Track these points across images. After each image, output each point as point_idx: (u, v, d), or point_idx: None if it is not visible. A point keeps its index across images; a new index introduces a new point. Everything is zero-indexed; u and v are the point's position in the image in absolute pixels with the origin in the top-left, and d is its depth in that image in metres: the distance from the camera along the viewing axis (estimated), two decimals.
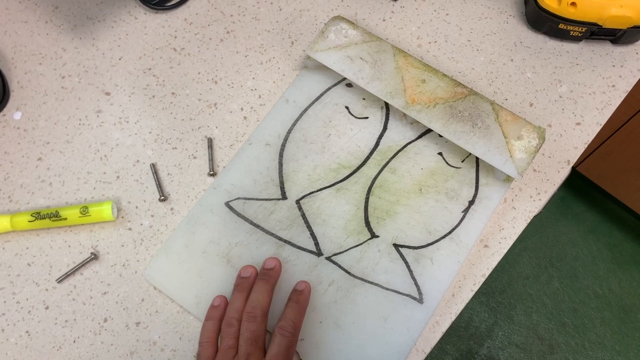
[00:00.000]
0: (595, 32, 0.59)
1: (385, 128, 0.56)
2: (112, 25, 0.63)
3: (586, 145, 0.57)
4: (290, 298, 0.49)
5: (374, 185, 0.54)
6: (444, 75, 0.55)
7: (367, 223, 0.53)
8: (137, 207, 0.55)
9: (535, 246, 1.39)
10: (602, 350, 1.31)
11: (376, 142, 0.56)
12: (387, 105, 0.57)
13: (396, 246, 0.52)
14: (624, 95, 0.58)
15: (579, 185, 1.41)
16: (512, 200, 0.55)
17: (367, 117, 0.57)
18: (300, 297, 0.48)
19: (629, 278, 1.36)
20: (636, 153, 1.11)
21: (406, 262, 0.51)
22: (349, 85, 0.58)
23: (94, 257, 0.53)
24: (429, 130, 0.56)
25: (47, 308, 0.51)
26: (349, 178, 0.54)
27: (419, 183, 0.54)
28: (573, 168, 1.28)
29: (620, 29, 0.58)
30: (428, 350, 0.50)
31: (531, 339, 1.32)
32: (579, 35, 0.59)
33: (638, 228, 1.39)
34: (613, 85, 0.59)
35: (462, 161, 0.55)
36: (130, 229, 0.54)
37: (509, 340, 1.32)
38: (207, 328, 0.48)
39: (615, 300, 1.35)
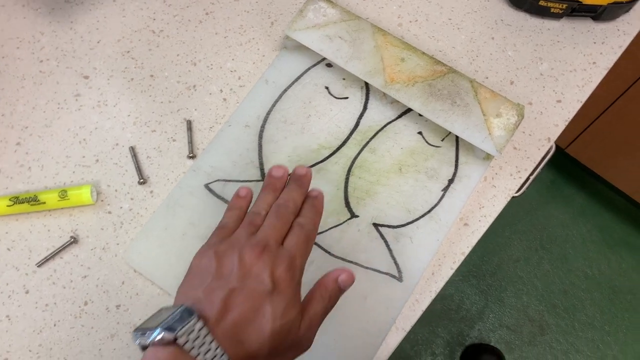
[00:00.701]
0: (576, 9, 0.58)
1: (365, 108, 0.56)
2: (90, 8, 0.62)
3: (567, 123, 0.57)
4: (305, 201, 0.45)
5: (354, 165, 0.54)
6: (423, 53, 0.54)
7: (347, 203, 0.53)
8: (116, 190, 0.55)
9: (525, 229, 1.40)
10: (592, 331, 1.32)
11: (356, 122, 0.55)
12: (367, 85, 0.57)
13: (376, 225, 0.52)
14: (604, 72, 0.58)
15: (569, 168, 1.41)
16: (492, 178, 0.54)
17: (347, 97, 0.56)
18: (316, 201, 0.45)
19: (618, 259, 1.37)
20: (624, 134, 1.11)
21: (386, 241, 0.51)
22: (329, 65, 0.58)
23: (74, 240, 0.53)
24: (409, 110, 0.56)
25: (27, 292, 0.51)
26: (329, 159, 0.54)
27: (398, 162, 0.54)
28: (562, 150, 1.29)
29: (601, 5, 0.57)
30: (408, 328, 0.50)
31: (522, 321, 1.33)
32: (560, 12, 0.59)
33: (628, 209, 1.39)
34: (594, 62, 0.59)
35: (442, 140, 0.54)
36: (109, 212, 0.54)
37: (500, 322, 1.33)
38: (229, 215, 0.44)
39: (605, 281, 1.36)
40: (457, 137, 0.54)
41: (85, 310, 0.51)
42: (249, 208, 0.45)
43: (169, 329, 0.34)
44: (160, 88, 0.58)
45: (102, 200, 0.54)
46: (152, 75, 0.59)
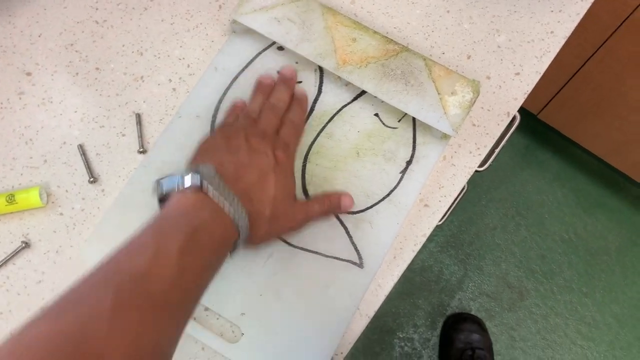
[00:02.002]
0: None
1: (320, 91, 0.54)
2: (28, 0, 0.59)
3: (526, 96, 0.56)
4: (292, 100, 0.52)
5: (311, 152, 0.52)
6: (375, 32, 0.53)
7: (305, 191, 0.51)
8: (67, 190, 0.53)
9: (501, 196, 1.40)
10: (570, 294, 1.34)
11: (311, 107, 0.54)
12: (320, 67, 0.55)
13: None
14: (562, 42, 0.57)
15: (542, 133, 1.41)
16: (452, 157, 0.54)
17: (300, 82, 0.55)
18: (301, 99, 0.53)
19: (594, 221, 1.38)
20: (591, 98, 1.11)
21: (345, 228, 0.50)
22: (280, 48, 0.56)
23: (26, 245, 0.51)
24: (364, 91, 0.54)
25: None
26: None
27: (356, 147, 0.52)
28: (535, 116, 1.28)
29: None
30: (372, 313, 0.50)
31: (501, 288, 1.34)
32: None
33: (601, 171, 1.40)
34: (552, 32, 0.57)
35: (399, 121, 0.53)
36: (61, 214, 0.52)
37: (480, 291, 1.34)
38: (228, 117, 0.51)
39: (581, 244, 1.37)
40: (414, 118, 0.53)
41: None
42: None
43: (196, 174, 0.40)
44: (107, 81, 0.56)
45: (52, 202, 0.53)
46: (97, 68, 0.57)
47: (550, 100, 1.18)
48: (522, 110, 0.56)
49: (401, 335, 1.29)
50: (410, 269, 1.39)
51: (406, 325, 1.30)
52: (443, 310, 1.32)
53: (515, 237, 1.38)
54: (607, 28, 0.93)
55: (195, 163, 0.45)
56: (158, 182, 0.42)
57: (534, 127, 1.40)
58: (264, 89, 0.52)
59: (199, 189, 0.40)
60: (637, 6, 0.85)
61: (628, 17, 0.88)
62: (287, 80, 0.53)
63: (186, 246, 0.36)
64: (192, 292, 0.37)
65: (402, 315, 1.31)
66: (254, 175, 0.43)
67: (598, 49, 0.98)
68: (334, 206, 0.49)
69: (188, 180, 0.40)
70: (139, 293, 0.34)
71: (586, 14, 0.58)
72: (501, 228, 1.38)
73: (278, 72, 0.55)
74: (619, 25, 0.91)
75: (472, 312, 1.32)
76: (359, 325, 0.50)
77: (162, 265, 0.35)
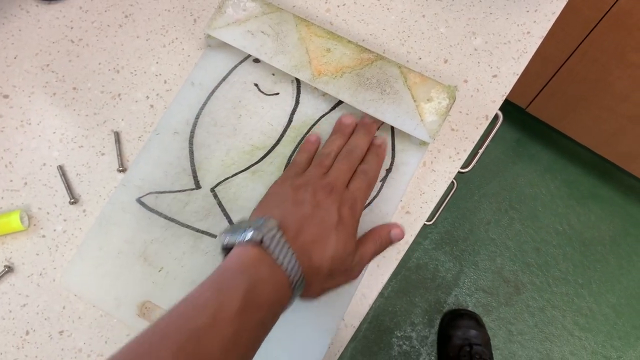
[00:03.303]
0: None
1: (297, 102, 0.54)
2: (2, 22, 0.59)
3: (504, 97, 0.55)
4: (369, 149, 0.51)
5: (290, 164, 0.52)
6: (349, 41, 0.52)
7: None
8: (48, 212, 0.53)
9: (494, 191, 1.40)
10: (566, 285, 1.34)
11: (289, 119, 0.54)
12: (297, 78, 0.55)
13: None
14: (539, 42, 0.57)
15: (533, 126, 1.41)
16: (432, 162, 0.53)
17: (277, 93, 0.55)
18: (379, 150, 0.51)
19: (587, 212, 1.38)
20: (579, 90, 1.11)
21: None
22: (257, 61, 0.55)
23: (9, 269, 0.51)
24: (342, 101, 0.54)
25: None
26: (264, 159, 0.53)
27: None
28: (523, 110, 1.28)
29: None
30: (357, 323, 0.50)
31: (497, 283, 1.34)
32: None
33: (593, 161, 1.40)
34: (528, 32, 0.57)
35: (377, 129, 0.53)
36: (43, 236, 0.52)
37: (476, 286, 1.34)
38: (300, 156, 0.51)
39: (575, 235, 1.37)
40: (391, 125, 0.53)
41: (27, 340, 0.50)
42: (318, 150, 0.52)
43: (257, 229, 0.40)
44: (84, 100, 0.56)
45: (34, 225, 0.53)
46: (74, 88, 0.56)
47: (538, 94, 1.18)
48: (510, 104, 0.56)
49: (399, 334, 1.29)
50: (405, 267, 1.40)
51: (404, 324, 1.30)
52: (440, 308, 1.32)
53: (509, 231, 1.38)
54: (589, 21, 0.93)
55: (260, 214, 0.45)
56: (221, 234, 0.42)
57: (523, 120, 1.40)
58: (342, 130, 0.51)
59: (259, 243, 0.40)
60: (617, 0, 0.85)
61: (609, 10, 0.88)
62: (368, 126, 0.51)
63: (244, 305, 0.37)
64: (247, 350, 0.37)
65: (399, 314, 1.31)
66: (315, 231, 0.43)
67: (582, 42, 0.98)
68: (385, 242, 0.48)
69: (249, 235, 0.40)
70: (199, 351, 0.34)
71: (567, 8, 0.58)
72: (495, 223, 1.38)
73: (255, 84, 0.54)
74: (601, 18, 0.91)
75: (469, 308, 1.32)
76: (345, 335, 0.50)
77: (221, 324, 0.35)
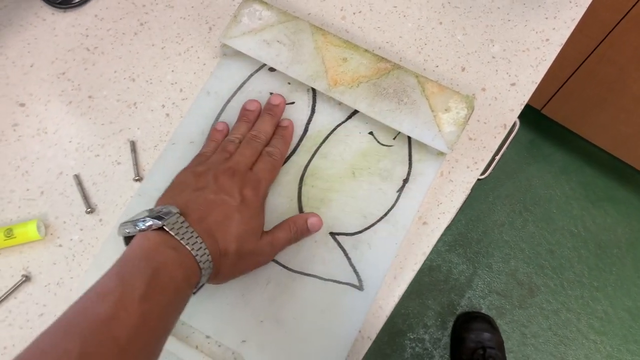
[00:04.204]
0: None
1: (313, 111, 0.54)
2: (19, 30, 0.59)
3: (522, 106, 0.55)
4: (275, 131, 0.52)
5: (306, 174, 0.52)
6: (366, 51, 0.52)
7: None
8: (64, 222, 0.53)
9: (508, 193, 1.39)
10: (581, 288, 1.32)
11: (305, 128, 0.53)
12: (313, 87, 0.55)
13: (332, 234, 0.50)
14: (559, 49, 0.56)
15: (547, 127, 1.39)
16: (449, 172, 0.53)
17: (293, 102, 0.54)
18: (285, 132, 0.52)
19: (602, 214, 1.37)
20: (596, 92, 1.09)
21: (344, 250, 0.50)
22: (272, 69, 0.55)
23: (26, 279, 0.51)
24: (358, 110, 0.54)
25: None
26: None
27: (351, 166, 0.52)
28: (538, 111, 1.27)
29: None
30: (373, 336, 0.49)
31: (511, 285, 1.33)
32: None
33: (609, 163, 1.38)
34: (547, 40, 0.57)
35: (394, 138, 0.53)
36: (60, 245, 0.52)
37: (489, 289, 1.33)
38: (206, 144, 0.52)
39: (590, 237, 1.36)
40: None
41: None
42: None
43: (157, 217, 0.40)
44: (100, 109, 0.56)
45: (51, 234, 0.53)
46: (90, 96, 0.57)
47: (554, 95, 1.17)
48: (525, 105, 0.55)
49: (412, 336, 1.29)
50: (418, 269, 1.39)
51: (416, 326, 1.30)
52: (453, 310, 1.31)
53: (524, 233, 1.36)
54: (608, 23, 0.92)
55: (163, 203, 0.46)
56: (120, 226, 0.42)
57: (538, 121, 1.38)
58: (247, 116, 0.52)
59: (161, 228, 0.40)
60: (637, 2, 0.84)
61: (628, 12, 0.87)
62: (273, 109, 0.52)
63: (147, 290, 0.37)
64: (156, 334, 0.37)
65: (412, 316, 1.30)
66: (218, 214, 0.44)
67: (600, 43, 0.97)
68: (301, 230, 0.49)
69: (149, 222, 0.40)
70: (105, 339, 0.34)
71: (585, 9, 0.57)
72: (509, 224, 1.37)
73: (271, 93, 0.54)
74: (620, 20, 0.89)
75: (483, 311, 1.31)
76: (362, 347, 0.50)
77: (125, 311, 0.35)
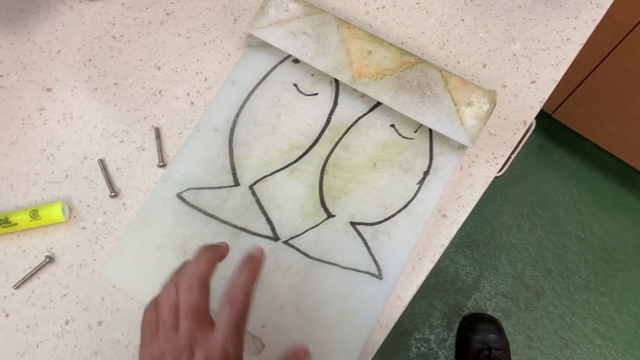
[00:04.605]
0: None
1: (335, 103, 0.55)
2: (47, 16, 0.60)
3: (542, 104, 0.55)
4: (240, 264, 0.41)
5: (328, 163, 0.53)
6: (390, 44, 0.53)
7: (323, 203, 0.52)
8: (88, 205, 0.54)
9: (516, 196, 1.39)
10: (587, 293, 1.33)
11: (327, 119, 0.54)
12: (336, 79, 0.55)
13: (353, 224, 0.51)
14: (579, 49, 0.57)
15: (557, 131, 1.40)
16: (469, 166, 0.54)
17: (316, 94, 0.55)
18: (253, 261, 0.41)
19: (610, 219, 1.37)
20: (608, 98, 1.10)
21: (364, 239, 0.51)
22: (296, 61, 0.56)
23: (50, 259, 0.52)
24: (380, 102, 0.54)
25: (7, 315, 0.51)
26: (302, 158, 0.53)
27: (372, 158, 0.53)
28: (549, 115, 1.27)
29: None
30: (391, 325, 0.50)
31: (517, 288, 1.34)
32: None
33: (618, 169, 1.39)
34: (568, 39, 0.57)
35: (415, 131, 0.53)
36: (84, 228, 0.53)
37: (496, 291, 1.33)
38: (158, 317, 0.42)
39: (598, 242, 1.36)
40: (430, 128, 0.53)
41: (67, 329, 0.51)
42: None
43: None
44: (125, 96, 0.57)
45: (75, 216, 0.54)
46: (116, 83, 0.57)
47: (566, 100, 1.17)
48: None
49: (417, 336, 1.29)
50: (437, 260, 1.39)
51: (422, 326, 1.30)
52: (459, 311, 1.32)
53: (531, 237, 1.37)
54: (624, 28, 0.92)
55: None
56: None
57: (546, 125, 1.39)
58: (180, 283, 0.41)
59: None
60: None
61: None
62: (214, 247, 0.42)
63: None
64: None
65: (418, 316, 1.31)
66: None
67: (614, 48, 0.97)
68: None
69: None
70: None
71: None
72: (516, 227, 1.37)
73: (294, 85, 0.55)
74: (635, 25, 0.90)
75: (489, 312, 1.31)
76: (379, 335, 0.50)
77: None
